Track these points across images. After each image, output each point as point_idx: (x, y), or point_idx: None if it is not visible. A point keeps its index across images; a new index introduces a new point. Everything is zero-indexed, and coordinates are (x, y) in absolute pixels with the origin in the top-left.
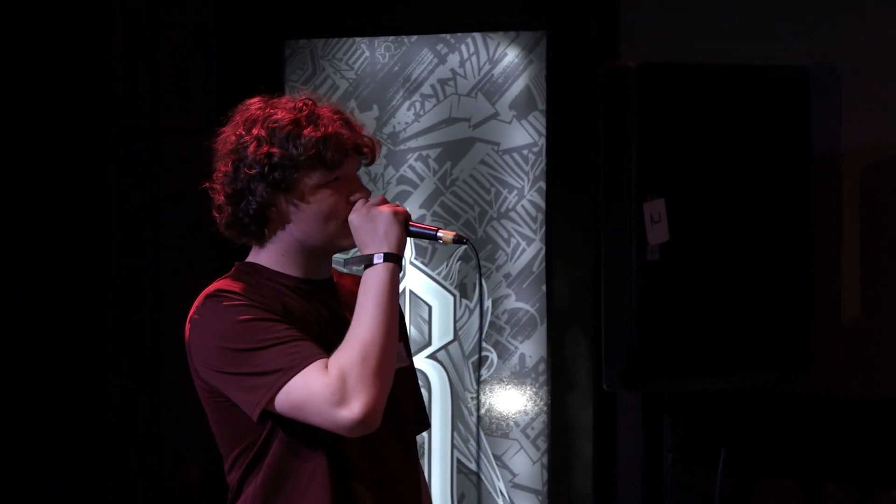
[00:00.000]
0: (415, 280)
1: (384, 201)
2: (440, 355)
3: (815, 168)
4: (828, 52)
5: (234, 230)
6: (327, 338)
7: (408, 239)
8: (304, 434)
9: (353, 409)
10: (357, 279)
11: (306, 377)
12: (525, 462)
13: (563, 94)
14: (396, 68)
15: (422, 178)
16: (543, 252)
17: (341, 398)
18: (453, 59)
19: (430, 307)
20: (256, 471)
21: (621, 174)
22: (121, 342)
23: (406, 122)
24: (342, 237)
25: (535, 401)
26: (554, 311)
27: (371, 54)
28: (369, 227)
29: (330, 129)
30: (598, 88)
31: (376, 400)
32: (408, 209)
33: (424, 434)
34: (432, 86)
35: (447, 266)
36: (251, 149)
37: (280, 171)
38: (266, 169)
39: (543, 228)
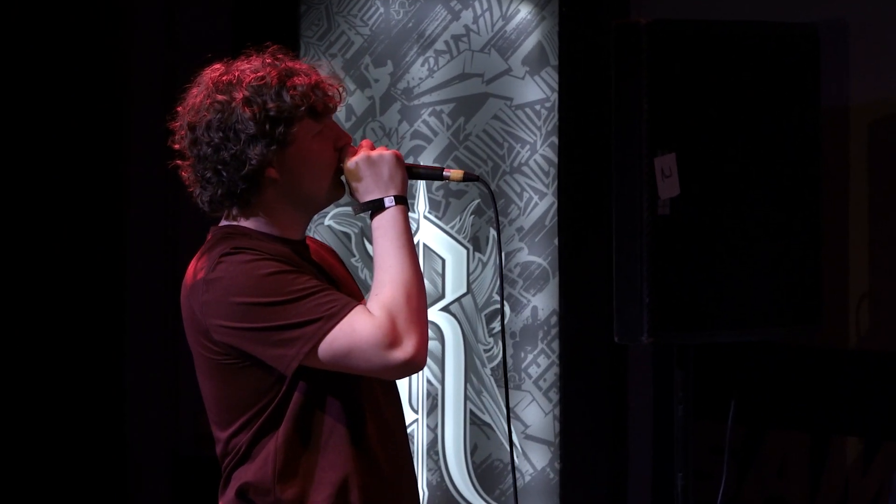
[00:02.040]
0: (428, 233)
1: (372, 146)
2: (453, 308)
3: (824, 124)
4: (837, 8)
5: (225, 200)
6: None
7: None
8: (323, 389)
9: (406, 350)
10: (315, 241)
11: (352, 323)
12: (537, 413)
13: (575, 49)
14: (410, 24)
15: (435, 133)
16: (555, 206)
17: (394, 339)
18: (467, 16)
19: (443, 260)
20: (274, 430)
21: (632, 129)
22: (139, 309)
23: (420, 78)
24: (336, 187)
25: (548, 353)
26: (566, 265)
27: (385, 10)
28: (373, 171)
29: (314, 78)
30: (610, 45)
31: (425, 338)
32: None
33: (438, 386)
34: (446, 42)
35: (461, 220)
36: (243, 109)
37: (281, 125)
38: (268, 126)
39: (556, 183)
